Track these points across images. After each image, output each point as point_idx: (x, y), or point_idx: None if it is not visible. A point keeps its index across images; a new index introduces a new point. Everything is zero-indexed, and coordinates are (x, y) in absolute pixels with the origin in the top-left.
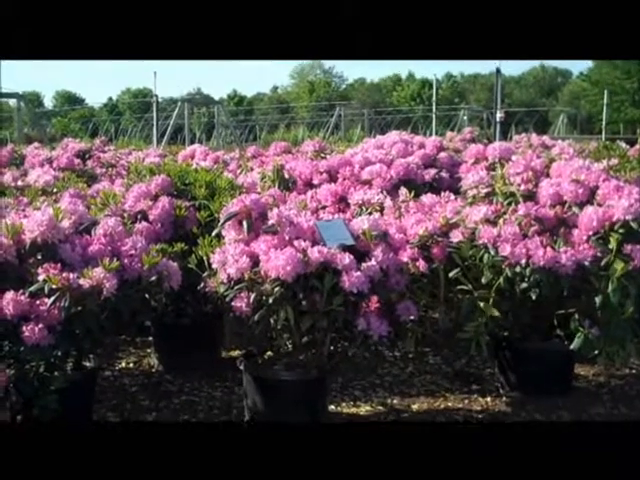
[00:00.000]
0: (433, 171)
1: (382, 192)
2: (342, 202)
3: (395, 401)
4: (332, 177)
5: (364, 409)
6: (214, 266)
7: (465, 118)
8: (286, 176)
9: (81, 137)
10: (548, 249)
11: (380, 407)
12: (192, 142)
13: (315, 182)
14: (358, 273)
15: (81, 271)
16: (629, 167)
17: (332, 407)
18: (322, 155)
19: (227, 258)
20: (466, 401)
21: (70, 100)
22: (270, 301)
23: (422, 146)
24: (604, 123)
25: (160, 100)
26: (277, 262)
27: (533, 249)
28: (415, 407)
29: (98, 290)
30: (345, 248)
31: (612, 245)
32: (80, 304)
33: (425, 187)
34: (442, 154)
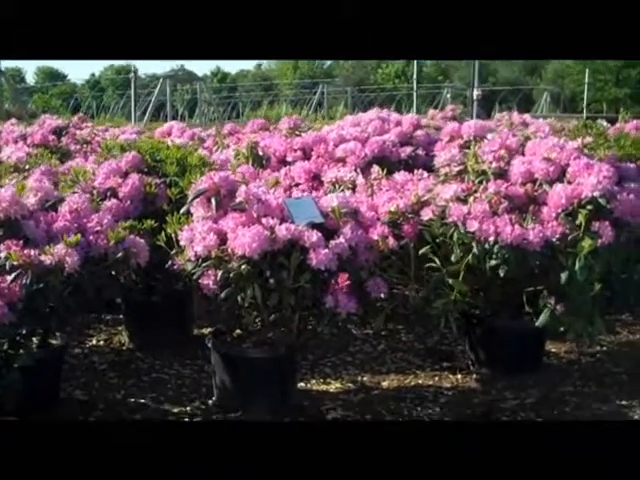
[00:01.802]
0: (409, 149)
1: (356, 170)
2: (316, 180)
3: (365, 378)
4: (306, 155)
5: (334, 386)
6: (182, 243)
7: (448, 96)
8: (260, 153)
9: (62, 113)
10: (516, 226)
11: (350, 384)
12: (174, 119)
13: (289, 159)
14: (326, 250)
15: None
16: (605, 145)
17: (302, 384)
18: (297, 132)
19: (195, 235)
20: (436, 378)
21: (52, 76)
22: (237, 279)
23: (399, 124)
24: (585, 102)
25: (143, 77)
26: (243, 239)
27: (502, 226)
28: (385, 384)
29: (60, 267)
30: (314, 226)
31: (580, 222)
32: (42, 281)
33: (401, 165)
34: (419, 132)
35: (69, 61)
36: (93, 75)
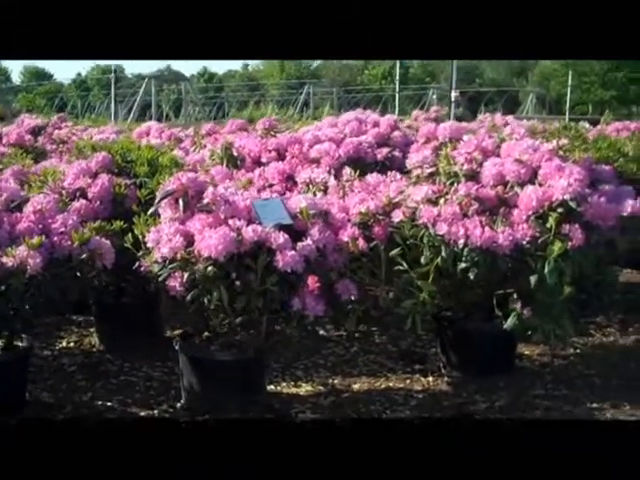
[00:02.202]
0: (386, 150)
1: (330, 171)
2: (290, 181)
3: (336, 381)
4: (281, 155)
5: (304, 389)
6: (149, 245)
7: (434, 97)
8: (235, 154)
9: (47, 113)
10: (486, 229)
11: (321, 387)
12: (160, 119)
13: (264, 160)
14: (292, 252)
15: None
16: (581, 148)
17: (272, 387)
18: (272, 133)
19: (161, 237)
20: (407, 381)
21: (38, 75)
22: (203, 281)
23: (376, 125)
24: (568, 104)
25: (129, 76)
26: (209, 241)
27: (471, 229)
28: (356, 387)
29: (22, 269)
30: (282, 227)
31: (551, 225)
32: (4, 283)
33: (377, 166)
34: (396, 133)
35: (56, 61)
36: (79, 75)
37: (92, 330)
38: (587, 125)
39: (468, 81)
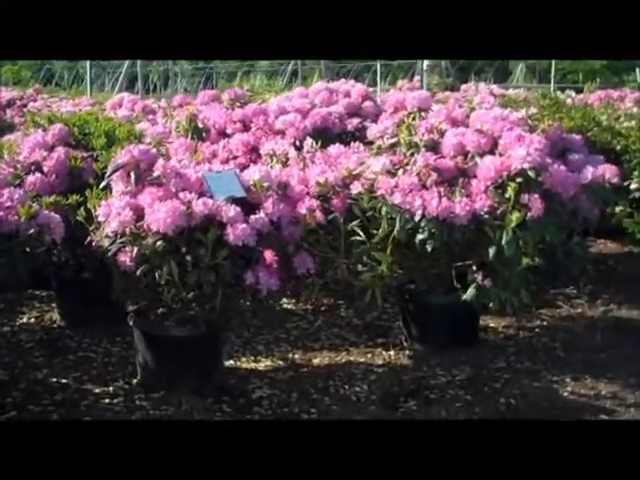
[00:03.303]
0: (356, 120)
1: (295, 142)
2: (254, 152)
3: (297, 356)
4: (247, 127)
5: (264, 364)
6: (100, 219)
7: (424, 67)
8: (200, 125)
9: (32, 85)
10: (443, 199)
11: (280, 362)
12: (148, 91)
13: (229, 132)
14: (243, 226)
15: None
16: (555, 117)
17: (232, 362)
18: (238, 104)
19: (112, 211)
20: (369, 355)
21: None
22: (152, 256)
23: (348, 95)
24: (553, 72)
25: None
26: (158, 215)
27: (428, 199)
28: (316, 362)
29: None
30: (236, 201)
31: (510, 195)
32: None
33: (347, 137)
34: (367, 103)
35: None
36: None
37: (54, 305)
38: (573, 94)
39: None
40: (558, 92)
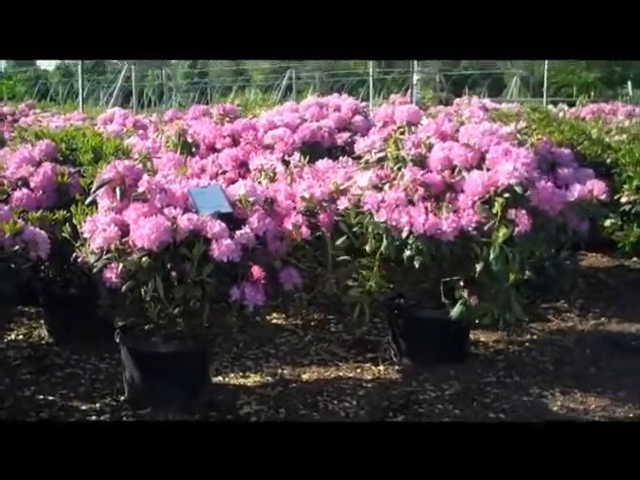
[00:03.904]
0: (346, 135)
1: (284, 157)
2: (243, 167)
3: (286, 371)
4: (236, 141)
5: (253, 380)
6: (85, 235)
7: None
8: (190, 140)
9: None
10: (430, 215)
11: (269, 377)
12: (143, 106)
13: (219, 146)
14: (228, 241)
15: None
16: (544, 131)
17: (220, 378)
18: (228, 119)
19: (97, 227)
20: (358, 370)
21: (20, 62)
22: (138, 272)
23: (338, 109)
24: (545, 86)
25: (115, 62)
26: (142, 231)
27: (415, 216)
28: (305, 377)
29: None
30: (222, 216)
31: (497, 211)
32: None
33: (337, 151)
34: (357, 117)
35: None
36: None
37: (42, 322)
38: (565, 107)
39: (453, 63)
40: (550, 106)
